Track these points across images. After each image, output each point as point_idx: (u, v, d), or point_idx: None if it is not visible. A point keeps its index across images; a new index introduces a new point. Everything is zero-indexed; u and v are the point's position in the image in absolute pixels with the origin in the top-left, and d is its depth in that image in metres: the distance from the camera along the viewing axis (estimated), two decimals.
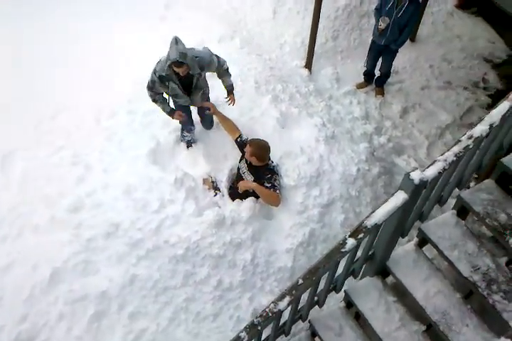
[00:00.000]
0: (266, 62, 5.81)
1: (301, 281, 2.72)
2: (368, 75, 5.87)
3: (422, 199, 2.81)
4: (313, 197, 4.03)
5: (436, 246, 2.90)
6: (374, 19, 5.40)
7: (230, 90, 4.15)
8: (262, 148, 3.89)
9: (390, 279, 3.09)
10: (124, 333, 3.36)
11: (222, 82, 4.10)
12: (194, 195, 4.08)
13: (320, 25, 5.57)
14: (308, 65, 5.94)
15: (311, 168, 4.21)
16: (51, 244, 3.63)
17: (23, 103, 4.76)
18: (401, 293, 2.95)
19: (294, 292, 2.75)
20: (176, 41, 3.46)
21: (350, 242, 2.61)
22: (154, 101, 3.91)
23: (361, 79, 5.94)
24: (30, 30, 5.42)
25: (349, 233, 2.63)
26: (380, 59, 5.65)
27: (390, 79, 5.85)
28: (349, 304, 3.14)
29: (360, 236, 2.62)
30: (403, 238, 2.96)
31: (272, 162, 4.07)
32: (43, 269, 3.56)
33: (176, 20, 6.09)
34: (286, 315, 2.86)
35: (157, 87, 3.74)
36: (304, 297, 2.83)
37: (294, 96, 5.41)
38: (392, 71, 5.78)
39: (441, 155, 2.74)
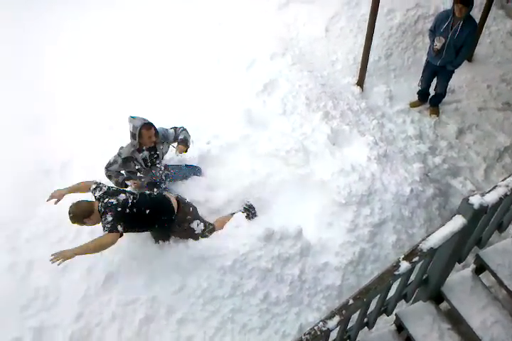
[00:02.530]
0: (317, 79, 5.88)
1: (351, 301, 2.70)
2: (423, 94, 5.80)
3: (481, 224, 2.76)
4: (363, 216, 4.01)
5: (494, 274, 2.82)
6: (429, 39, 5.36)
7: (180, 141, 4.25)
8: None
9: (444, 305, 3.01)
10: (171, 339, 3.44)
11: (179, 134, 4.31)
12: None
13: (373, 43, 5.59)
14: (360, 83, 5.95)
15: (362, 187, 4.19)
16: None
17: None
18: (456, 321, 2.88)
19: (343, 312, 2.74)
20: (133, 117, 3.97)
21: (404, 265, 2.59)
22: (109, 177, 4.13)
23: (415, 97, 5.89)
24: None
25: (403, 256, 2.60)
26: (435, 79, 5.58)
27: (445, 99, 5.76)
28: (400, 327, 3.08)
29: (415, 259, 2.59)
30: (460, 264, 2.90)
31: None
32: (97, 272, 3.71)
33: (228, 35, 6.30)
34: (334, 335, 2.84)
35: (116, 167, 4.06)
36: (354, 317, 2.81)
37: (345, 113, 5.42)
38: (447, 90, 5.70)
39: (503, 180, 2.69)
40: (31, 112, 5.04)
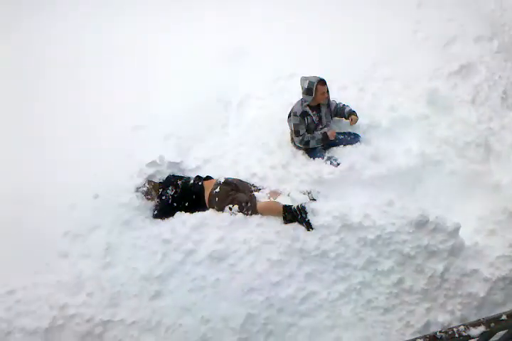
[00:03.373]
0: None
1: (504, 317, 2.50)
2: None
3: None
4: None
5: None
6: None
7: (352, 112, 4.45)
8: None
9: None
10: (296, 289, 3.53)
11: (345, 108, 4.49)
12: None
13: None
14: None
15: None
16: None
17: None
18: None
19: (492, 324, 2.55)
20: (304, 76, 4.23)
21: None
22: (306, 143, 4.29)
23: None
24: None
25: None
26: None
27: None
28: None
29: None
30: None
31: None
32: None
33: (434, 7, 5.80)
34: None
35: (303, 128, 4.27)
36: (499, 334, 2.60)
37: None
38: None
39: None
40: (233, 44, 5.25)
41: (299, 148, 4.42)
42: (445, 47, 5.39)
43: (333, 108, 4.48)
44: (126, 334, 3.35)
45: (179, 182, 4.07)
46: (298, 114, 4.23)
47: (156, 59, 5.20)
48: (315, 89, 4.15)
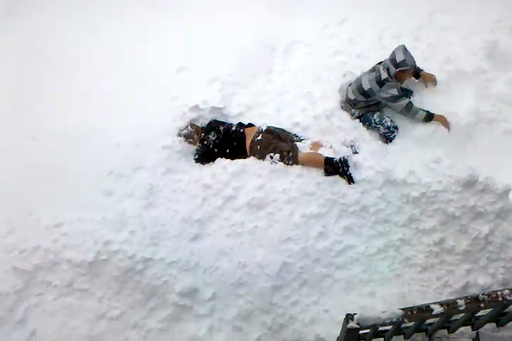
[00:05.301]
0: None
1: None
2: None
3: None
4: None
5: None
6: None
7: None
8: None
9: None
10: (333, 241, 3.54)
11: None
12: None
13: None
14: None
15: None
16: None
17: None
18: None
19: None
20: (406, 49, 3.88)
21: None
22: (407, 107, 3.95)
23: None
24: None
25: None
26: None
27: None
28: None
29: None
30: None
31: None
32: None
33: None
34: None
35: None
36: None
37: None
38: None
39: None
40: None
41: (357, 118, 4.14)
42: None
43: None
44: (165, 273, 3.46)
45: (221, 128, 4.02)
46: (390, 79, 3.90)
47: (201, 3, 4.97)
48: (406, 70, 3.91)
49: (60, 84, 4.35)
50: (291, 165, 3.77)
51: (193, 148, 4.02)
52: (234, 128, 4.02)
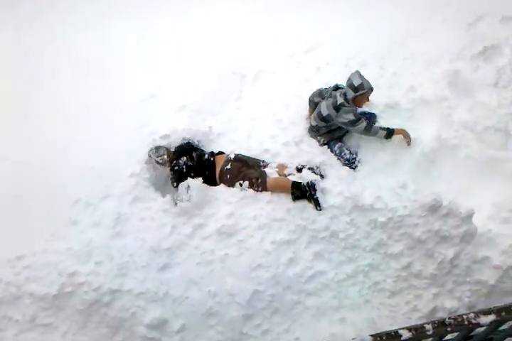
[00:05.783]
0: None
1: None
2: None
3: None
4: None
5: None
6: None
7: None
8: None
9: None
10: (304, 267, 3.54)
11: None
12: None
13: None
14: None
15: None
16: None
17: None
18: None
19: (503, 314, 2.54)
20: (361, 74, 3.98)
21: None
22: (367, 129, 3.98)
23: None
24: None
25: None
26: None
27: None
28: None
29: None
30: None
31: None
32: None
33: None
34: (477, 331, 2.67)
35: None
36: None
37: None
38: None
39: None
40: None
41: (324, 144, 4.21)
42: (470, 27, 5.20)
43: None
44: (133, 305, 3.38)
45: (194, 154, 4.00)
46: (346, 103, 3.99)
47: (173, 30, 5.05)
48: (363, 93, 3.98)
49: (24, 110, 4.30)
50: (261, 191, 3.79)
51: (164, 173, 3.99)
52: (206, 156, 4.03)
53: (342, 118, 3.99)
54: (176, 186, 3.88)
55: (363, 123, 3.98)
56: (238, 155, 3.97)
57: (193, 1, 5.36)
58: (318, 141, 4.20)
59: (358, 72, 4.02)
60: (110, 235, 3.61)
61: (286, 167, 3.99)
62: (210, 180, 3.88)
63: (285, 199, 3.77)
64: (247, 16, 5.20)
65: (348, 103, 4.01)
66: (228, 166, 3.86)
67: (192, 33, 4.96)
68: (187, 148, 4.05)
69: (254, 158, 4.04)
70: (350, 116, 3.96)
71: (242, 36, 5.05)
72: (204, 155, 4.03)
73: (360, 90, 3.95)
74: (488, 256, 3.47)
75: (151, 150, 3.99)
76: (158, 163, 3.99)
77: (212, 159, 3.98)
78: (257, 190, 3.78)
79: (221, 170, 3.87)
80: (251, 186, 3.78)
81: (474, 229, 3.55)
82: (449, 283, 3.45)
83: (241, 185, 3.80)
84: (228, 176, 3.84)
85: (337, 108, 4.00)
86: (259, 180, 3.77)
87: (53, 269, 3.43)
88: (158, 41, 4.87)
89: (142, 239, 3.62)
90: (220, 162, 3.93)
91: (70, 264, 3.45)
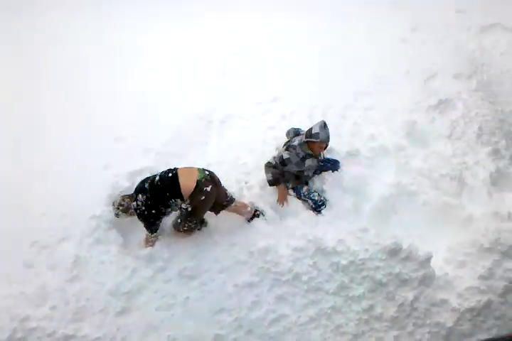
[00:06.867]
0: (497, 113, 5.47)
1: None
2: None
3: None
4: (504, 268, 3.63)
5: None
6: None
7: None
8: None
9: None
10: (266, 311, 3.50)
11: None
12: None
13: None
14: None
15: None
16: None
17: None
18: None
19: None
20: (325, 125, 4.03)
21: None
22: (276, 180, 4.10)
23: None
24: None
25: None
26: None
27: None
28: None
29: None
30: None
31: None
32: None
33: (418, 43, 6.07)
34: None
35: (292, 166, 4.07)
36: None
37: None
38: None
39: None
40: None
41: (291, 189, 4.29)
42: (426, 82, 5.61)
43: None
44: None
45: (146, 185, 3.59)
46: (295, 146, 4.08)
47: (141, 73, 5.22)
48: (314, 142, 4.03)
49: None
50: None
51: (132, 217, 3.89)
52: (158, 177, 3.59)
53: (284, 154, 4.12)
54: (154, 231, 3.69)
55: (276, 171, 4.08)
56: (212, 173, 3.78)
57: (160, 50, 5.56)
58: (286, 186, 4.27)
59: (323, 122, 4.06)
60: (67, 278, 3.50)
61: (247, 206, 4.03)
62: (175, 196, 3.51)
63: (248, 242, 3.79)
64: (216, 62, 5.46)
65: (301, 147, 4.07)
66: (208, 188, 3.54)
67: (159, 76, 5.11)
68: (141, 184, 3.66)
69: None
70: (285, 155, 4.07)
71: (207, 84, 5.24)
72: (155, 178, 3.59)
73: (311, 138, 4.01)
74: (446, 299, 3.53)
75: (113, 204, 3.75)
76: (124, 212, 3.73)
77: (170, 174, 3.56)
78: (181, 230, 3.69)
79: (197, 186, 3.50)
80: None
81: (432, 272, 3.64)
82: (409, 326, 3.46)
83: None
84: (203, 197, 3.53)
85: (288, 146, 4.16)
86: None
87: (5, 314, 3.27)
88: (126, 83, 5.00)
89: (100, 282, 3.52)
90: (188, 173, 3.57)
91: (22, 309, 3.29)
